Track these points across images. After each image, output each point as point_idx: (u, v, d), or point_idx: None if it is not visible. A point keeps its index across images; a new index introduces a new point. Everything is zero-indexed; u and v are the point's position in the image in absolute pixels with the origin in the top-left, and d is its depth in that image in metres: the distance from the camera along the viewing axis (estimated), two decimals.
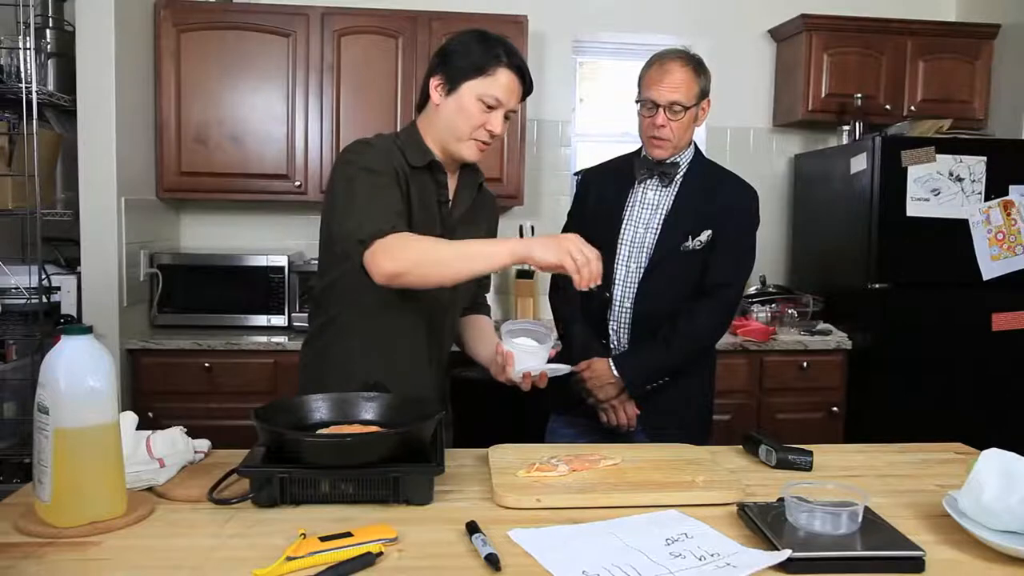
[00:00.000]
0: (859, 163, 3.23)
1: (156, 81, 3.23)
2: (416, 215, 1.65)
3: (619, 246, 2.01)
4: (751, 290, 3.60)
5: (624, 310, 2.01)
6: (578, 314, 2.06)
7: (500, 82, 1.63)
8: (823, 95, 3.51)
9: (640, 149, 2.07)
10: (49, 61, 2.87)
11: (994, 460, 1.22)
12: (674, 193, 2.01)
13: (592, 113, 3.96)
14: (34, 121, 2.58)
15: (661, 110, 1.92)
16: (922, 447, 1.72)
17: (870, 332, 3.20)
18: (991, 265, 3.19)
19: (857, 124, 3.45)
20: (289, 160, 3.30)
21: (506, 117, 1.67)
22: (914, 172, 3.13)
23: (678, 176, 2.02)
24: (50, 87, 2.84)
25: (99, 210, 2.86)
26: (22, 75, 2.60)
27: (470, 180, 1.78)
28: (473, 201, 1.79)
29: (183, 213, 3.62)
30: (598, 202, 2.08)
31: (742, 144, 3.86)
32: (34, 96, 2.59)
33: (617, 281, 2.01)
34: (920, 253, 3.16)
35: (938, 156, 3.13)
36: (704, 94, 1.98)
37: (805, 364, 3.22)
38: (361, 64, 3.30)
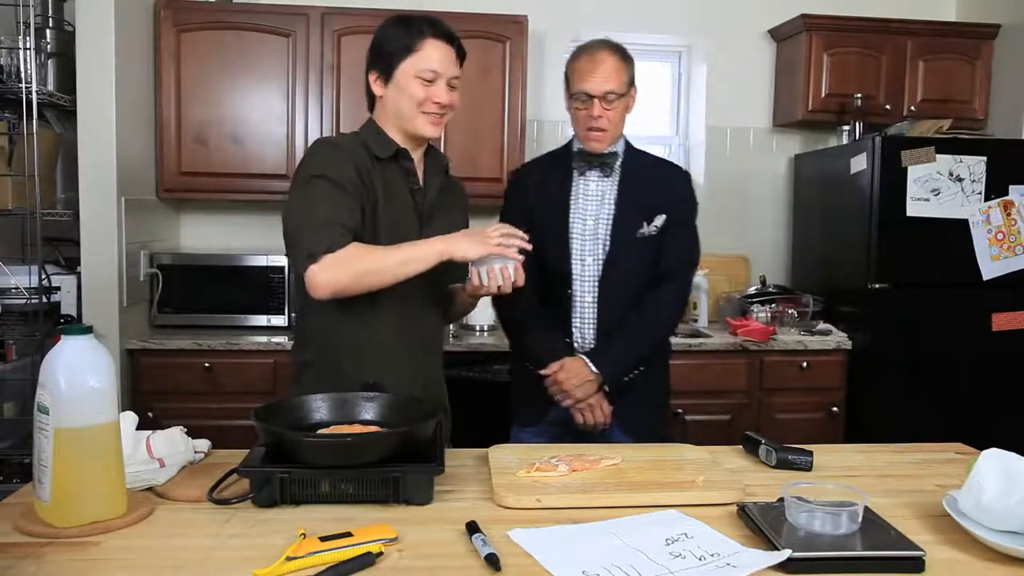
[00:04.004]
0: (859, 163, 3.23)
1: (156, 81, 3.23)
2: (386, 207, 1.66)
3: (571, 241, 2.00)
4: (751, 290, 3.60)
5: (586, 305, 2.00)
6: (533, 315, 2.01)
7: (430, 55, 1.65)
8: (823, 95, 3.51)
9: (571, 143, 2.06)
10: (49, 61, 2.87)
11: (994, 460, 1.22)
12: (616, 182, 2.01)
13: None
14: (34, 121, 2.58)
15: (596, 101, 1.93)
16: (922, 447, 1.72)
17: (870, 332, 3.20)
18: (991, 265, 3.19)
19: (857, 124, 3.45)
20: (289, 160, 3.29)
21: (452, 86, 1.69)
22: (914, 172, 3.13)
23: (617, 165, 2.02)
24: (50, 87, 2.84)
25: (99, 210, 2.86)
26: (22, 75, 2.60)
27: (436, 165, 1.80)
28: (443, 184, 1.80)
29: (183, 213, 3.62)
30: (540, 200, 2.04)
31: (742, 144, 3.86)
32: (34, 96, 2.59)
33: (575, 276, 2.00)
34: (920, 253, 3.16)
35: (938, 156, 3.13)
36: (632, 82, 1.99)
37: (805, 364, 3.21)
38: (361, 64, 3.25)
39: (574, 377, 1.93)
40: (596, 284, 1.99)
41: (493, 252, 1.55)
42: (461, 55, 1.71)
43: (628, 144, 2.06)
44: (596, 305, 1.99)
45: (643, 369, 1.99)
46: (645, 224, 1.97)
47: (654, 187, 2.00)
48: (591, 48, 1.97)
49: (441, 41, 1.66)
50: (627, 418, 1.99)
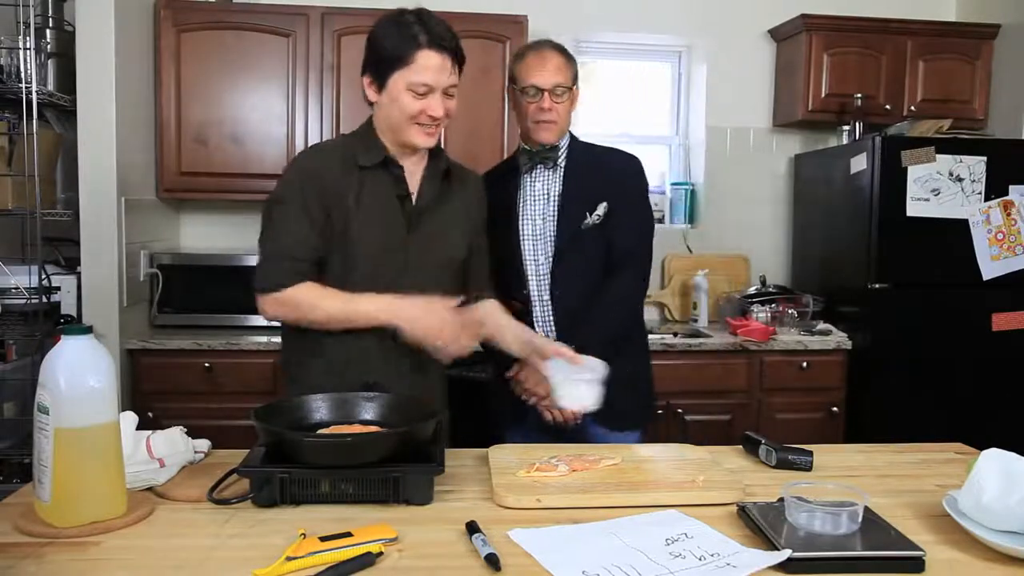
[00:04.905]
0: (859, 163, 3.23)
1: (156, 81, 3.23)
2: (361, 216, 1.64)
3: (522, 243, 2.02)
4: (751, 290, 3.60)
5: (543, 303, 2.02)
6: None
7: (424, 66, 1.59)
8: (823, 95, 3.51)
9: (518, 148, 2.07)
10: (49, 61, 2.87)
11: (994, 460, 1.22)
12: (561, 175, 2.02)
13: (592, 113, 3.95)
14: (34, 121, 2.58)
15: (546, 94, 1.95)
16: (922, 447, 1.72)
17: (870, 332, 3.20)
18: (991, 265, 3.19)
19: (857, 124, 3.45)
20: (289, 160, 3.29)
21: (449, 95, 1.64)
22: (914, 172, 3.13)
23: (561, 160, 2.03)
24: (50, 87, 2.84)
25: (99, 210, 2.85)
26: (22, 75, 2.60)
27: (435, 169, 1.75)
28: (441, 188, 1.76)
29: (183, 213, 3.62)
30: (488, 211, 2.02)
31: (742, 144, 3.86)
32: (34, 96, 2.59)
33: (530, 276, 2.02)
34: (920, 253, 3.16)
35: (938, 156, 3.13)
36: (575, 79, 2.02)
37: (805, 364, 3.21)
38: (361, 64, 3.29)
39: (535, 375, 1.91)
40: (549, 282, 2.00)
41: (427, 343, 1.59)
42: (460, 60, 1.65)
43: (573, 137, 2.08)
44: (552, 303, 2.01)
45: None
46: (588, 215, 1.98)
47: (599, 176, 2.02)
48: (537, 46, 2.02)
49: (435, 51, 1.59)
50: (600, 409, 1.98)
